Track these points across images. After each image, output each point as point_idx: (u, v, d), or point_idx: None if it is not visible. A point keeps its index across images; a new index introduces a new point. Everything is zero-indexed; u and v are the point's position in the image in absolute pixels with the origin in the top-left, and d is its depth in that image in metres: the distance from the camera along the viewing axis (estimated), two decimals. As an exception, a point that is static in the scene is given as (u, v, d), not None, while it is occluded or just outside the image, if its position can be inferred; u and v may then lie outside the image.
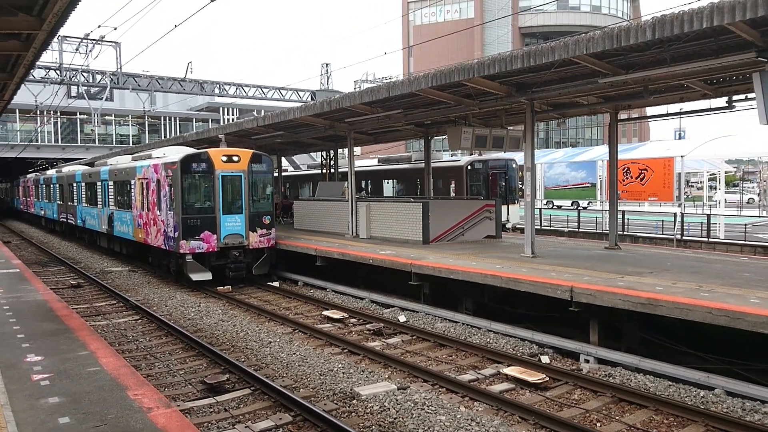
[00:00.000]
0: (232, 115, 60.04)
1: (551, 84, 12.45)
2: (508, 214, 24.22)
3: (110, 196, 22.01)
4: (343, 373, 8.86)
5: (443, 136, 21.82)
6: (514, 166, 26.16)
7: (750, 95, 11.97)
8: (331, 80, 43.90)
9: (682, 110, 15.66)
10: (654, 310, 8.64)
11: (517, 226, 24.39)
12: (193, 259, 15.94)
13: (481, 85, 12.50)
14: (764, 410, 7.16)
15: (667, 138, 51.49)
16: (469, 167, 24.57)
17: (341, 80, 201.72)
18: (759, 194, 55.34)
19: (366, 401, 7.67)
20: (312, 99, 33.53)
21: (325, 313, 13.00)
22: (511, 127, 17.06)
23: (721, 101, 12.97)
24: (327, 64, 43.35)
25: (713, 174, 32.65)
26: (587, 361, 9.38)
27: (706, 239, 21.57)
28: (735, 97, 12.59)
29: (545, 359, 9.58)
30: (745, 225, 24.45)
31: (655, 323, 9.16)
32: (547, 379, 8.49)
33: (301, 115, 17.01)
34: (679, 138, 43.81)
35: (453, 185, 25.03)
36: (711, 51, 9.42)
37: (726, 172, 34.65)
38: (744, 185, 67.13)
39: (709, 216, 23.22)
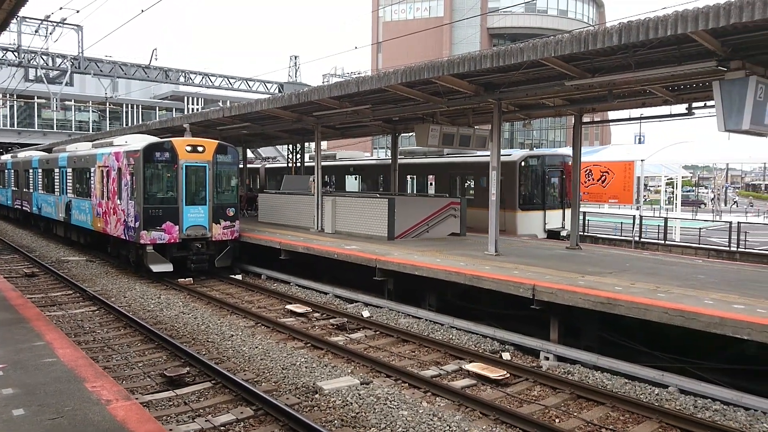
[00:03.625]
0: (197, 104, 59.04)
1: (519, 85, 12.61)
2: (563, 219, 20.65)
3: (68, 184, 21.39)
4: (305, 367, 8.82)
5: (410, 133, 21.94)
6: (569, 163, 21.69)
7: (709, 103, 12.34)
8: (300, 73, 43.58)
9: (643, 115, 16.06)
10: (613, 310, 8.85)
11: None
12: (154, 250, 15.63)
13: (450, 83, 12.58)
14: (715, 408, 7.40)
15: (628, 142, 52.74)
16: (522, 163, 20.40)
17: (310, 73, 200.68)
18: (712, 200, 57.21)
19: (329, 395, 7.65)
20: (280, 91, 33.23)
21: (289, 307, 12.92)
22: (478, 126, 17.23)
23: (682, 108, 13.34)
24: (296, 57, 43.04)
25: (671, 179, 33.55)
26: (547, 359, 9.55)
27: (663, 242, 22.20)
28: (695, 104, 12.95)
29: (506, 356, 9.71)
30: (700, 229, 25.25)
31: (614, 322, 9.38)
32: (508, 375, 8.62)
33: (268, 107, 16.83)
34: (639, 142, 44.90)
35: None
36: (674, 58, 9.68)
37: (683, 177, 35.65)
38: (699, 191, 69.12)
39: (666, 219, 23.90)
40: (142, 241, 15.56)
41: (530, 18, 66.74)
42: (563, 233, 20.19)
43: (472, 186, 21.71)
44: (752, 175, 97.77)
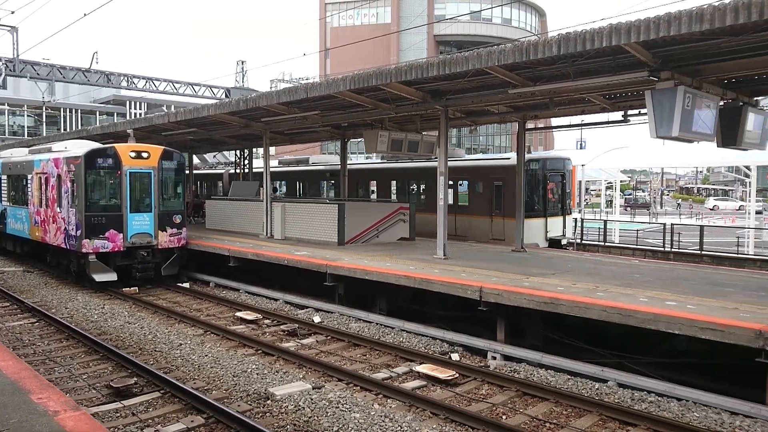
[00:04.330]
0: (140, 109, 57.54)
1: (465, 92, 12.94)
2: (564, 227, 19.80)
3: (3, 191, 20.55)
4: (257, 374, 8.80)
5: (359, 139, 22.06)
6: (570, 167, 21.01)
7: (643, 110, 12.99)
8: (247, 78, 43.09)
9: (583, 122, 16.70)
10: (556, 309, 9.20)
11: (570, 241, 20.47)
12: (97, 259, 15.21)
13: (398, 90, 12.79)
14: (650, 399, 7.81)
15: (570, 147, 54.46)
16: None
17: (257, 79, 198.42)
18: (650, 202, 59.72)
19: (281, 401, 7.67)
20: (226, 96, 32.79)
21: (239, 314, 12.81)
22: (426, 132, 17.53)
23: (618, 115, 13.98)
24: (242, 62, 42.54)
25: (610, 183, 34.88)
26: (494, 358, 9.83)
27: (603, 243, 23.06)
28: (630, 112, 13.61)
29: (455, 357, 9.94)
30: (637, 231, 26.36)
31: (557, 321, 9.75)
32: (457, 375, 8.83)
33: (215, 112, 16.66)
34: (581, 148, 46.43)
35: (493, 190, 19.21)
36: (610, 68, 10.16)
37: (621, 181, 37.10)
38: (636, 194, 71.98)
39: (605, 222, 24.83)
40: (84, 250, 15.11)
41: (476, 26, 68.14)
42: (564, 242, 19.44)
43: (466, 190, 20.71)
44: (686, 179, 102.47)
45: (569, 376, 8.78)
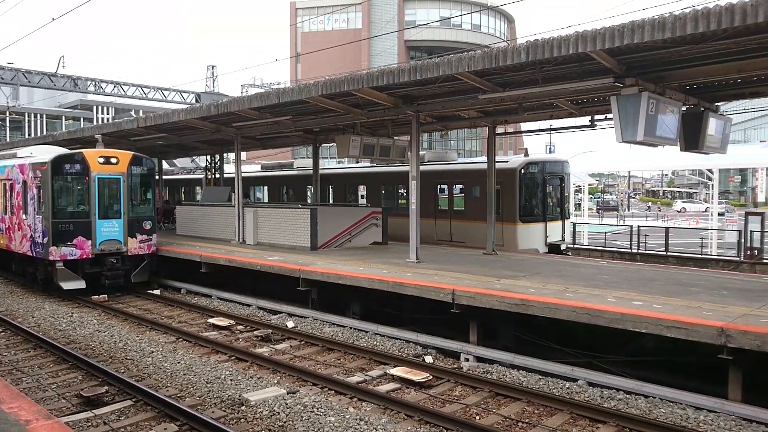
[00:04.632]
0: (108, 114, 56.59)
1: (436, 97, 13.10)
2: (563, 232, 19.47)
3: (-34, 198, 20.02)
4: (231, 380, 8.76)
5: (331, 144, 22.11)
6: (568, 170, 20.51)
7: (609, 116, 13.29)
8: (218, 83, 42.76)
9: (552, 126, 17.03)
10: (527, 310, 9.37)
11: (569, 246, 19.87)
12: (65, 267, 14.93)
13: (369, 95, 12.87)
14: (619, 397, 8.01)
15: (540, 152, 55.27)
16: (522, 170, 18.24)
17: (228, 84, 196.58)
18: (618, 204, 60.88)
19: (255, 407, 7.66)
20: (197, 101, 32.50)
21: (211, 320, 12.72)
22: (398, 137, 17.64)
23: (585, 120, 14.29)
24: (213, 67, 42.23)
25: (578, 186, 35.50)
26: (467, 360, 9.95)
27: (573, 245, 23.45)
28: (597, 117, 13.93)
29: (429, 359, 10.04)
30: (605, 233, 26.90)
31: (528, 322, 9.92)
32: (431, 377, 8.92)
33: (186, 117, 16.52)
34: (550, 152, 47.23)
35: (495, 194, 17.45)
36: (577, 75, 10.41)
37: (589, 185, 37.77)
38: (604, 197, 73.34)
39: (574, 225, 25.27)
40: (51, 258, 14.83)
41: (446, 32, 68.72)
42: (563, 246, 19.10)
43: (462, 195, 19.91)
44: (651, 182, 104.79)
45: (540, 376, 8.94)
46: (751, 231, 19.78)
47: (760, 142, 52.53)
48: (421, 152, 18.60)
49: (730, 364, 7.58)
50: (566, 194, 20.23)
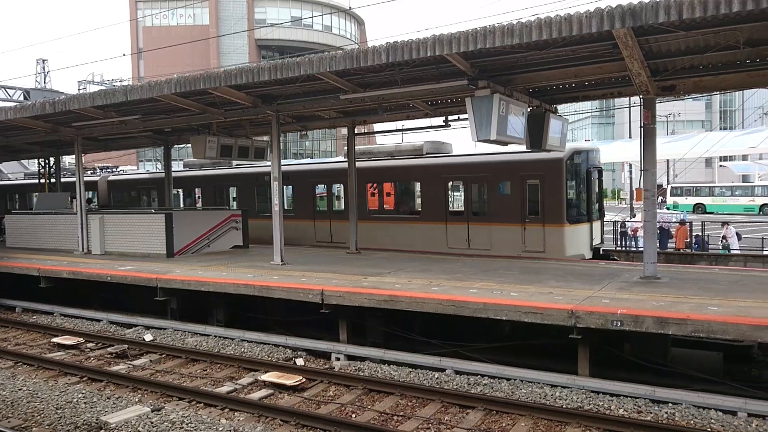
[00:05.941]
0: None
1: (296, 97, 12.98)
2: (602, 233, 17.35)
3: None
4: (85, 403, 8.00)
5: (184, 144, 20.97)
6: (600, 161, 17.66)
7: (462, 116, 14.02)
8: (50, 79, 38.80)
9: (403, 126, 17.54)
10: (395, 306, 9.59)
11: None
12: None
13: (227, 94, 12.44)
14: (484, 382, 8.47)
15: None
16: (569, 162, 15.31)
17: (62, 80, 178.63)
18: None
19: (116, 429, 7.06)
20: (26, 98, 29.22)
21: (55, 339, 11.54)
22: (256, 138, 17.23)
23: (440, 120, 14.94)
24: (44, 61, 38.18)
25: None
26: (338, 359, 9.97)
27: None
28: (450, 117, 14.61)
29: (300, 362, 9.92)
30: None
31: (395, 317, 10.16)
32: (304, 380, 8.82)
33: (16, 116, 14.81)
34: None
35: (527, 191, 15.59)
36: (434, 77, 10.84)
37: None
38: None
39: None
40: None
41: (297, 32, 68.32)
42: (602, 251, 16.94)
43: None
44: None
45: (411, 369, 9.20)
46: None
47: (585, 141, 58.54)
48: (419, 143, 17.39)
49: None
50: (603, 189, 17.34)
